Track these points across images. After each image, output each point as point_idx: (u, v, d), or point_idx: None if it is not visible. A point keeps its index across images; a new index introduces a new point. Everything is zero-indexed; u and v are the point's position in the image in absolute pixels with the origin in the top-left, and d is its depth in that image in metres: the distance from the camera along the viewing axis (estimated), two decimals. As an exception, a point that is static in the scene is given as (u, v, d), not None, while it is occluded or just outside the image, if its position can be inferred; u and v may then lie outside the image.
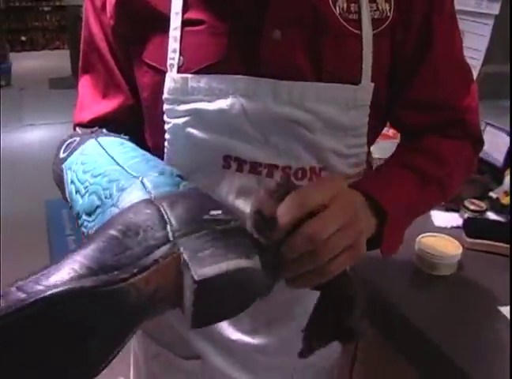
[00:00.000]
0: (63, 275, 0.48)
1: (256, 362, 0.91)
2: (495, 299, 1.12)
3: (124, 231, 0.53)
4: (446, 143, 0.83)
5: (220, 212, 0.58)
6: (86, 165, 0.69)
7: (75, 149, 0.75)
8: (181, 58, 0.74)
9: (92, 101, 0.87)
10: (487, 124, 1.64)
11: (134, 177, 0.62)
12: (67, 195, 0.71)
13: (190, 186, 0.63)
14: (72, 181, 0.70)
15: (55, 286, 0.46)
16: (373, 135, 0.83)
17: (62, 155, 0.77)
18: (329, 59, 0.73)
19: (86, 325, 0.48)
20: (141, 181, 0.61)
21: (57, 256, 3.23)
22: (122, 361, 0.83)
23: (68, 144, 0.78)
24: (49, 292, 0.46)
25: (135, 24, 0.77)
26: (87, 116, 0.86)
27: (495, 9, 1.66)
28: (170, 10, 0.74)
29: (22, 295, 0.46)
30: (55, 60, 8.66)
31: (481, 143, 0.90)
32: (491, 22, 1.69)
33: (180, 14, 0.73)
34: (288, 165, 0.76)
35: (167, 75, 0.75)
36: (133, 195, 0.59)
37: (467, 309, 1.11)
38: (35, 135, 5.47)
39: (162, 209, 0.56)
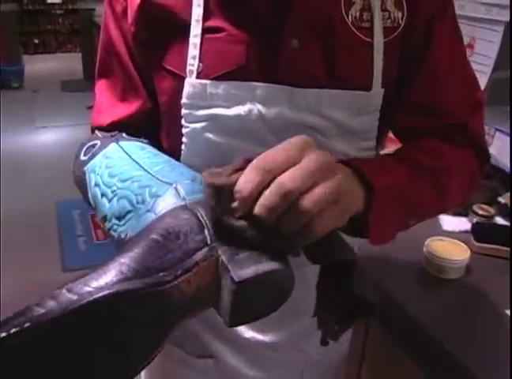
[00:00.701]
0: (111, 277, 0.50)
1: (268, 359, 0.93)
2: (502, 303, 1.13)
3: (165, 235, 0.55)
4: (447, 146, 0.82)
5: None
6: (111, 169, 0.71)
7: (97, 153, 0.77)
8: (200, 64, 0.76)
9: (110, 104, 0.89)
10: (497, 129, 1.65)
11: (167, 183, 0.64)
12: (90, 197, 0.73)
13: None
14: (96, 185, 0.72)
15: (104, 288, 0.48)
16: (380, 138, 0.85)
17: (82, 157, 0.79)
18: (342, 66, 0.76)
19: (131, 325, 0.50)
20: (175, 188, 0.63)
21: (68, 257, 3.27)
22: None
23: (88, 147, 0.80)
24: (100, 294, 0.48)
25: (156, 30, 0.79)
26: (106, 119, 0.88)
27: (506, 15, 1.67)
28: (190, 18, 0.75)
29: (73, 297, 0.48)
30: (67, 63, 8.71)
31: (485, 153, 0.88)
32: (501, 29, 1.70)
33: (200, 22, 0.75)
34: None
35: (186, 81, 0.76)
36: (168, 201, 0.61)
37: (474, 311, 1.13)
38: (47, 137, 5.50)
39: (198, 214, 0.58)
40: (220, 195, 0.55)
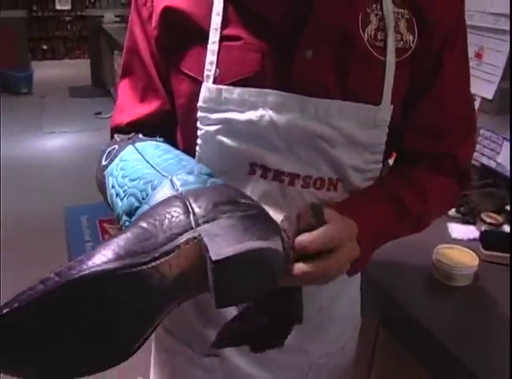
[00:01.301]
0: (94, 260, 0.53)
1: (272, 360, 0.94)
2: (510, 310, 1.14)
3: (151, 222, 0.58)
4: (436, 179, 0.89)
5: (243, 201, 0.63)
6: (125, 170, 0.74)
7: (115, 156, 0.80)
8: (217, 70, 0.79)
9: (130, 104, 0.92)
10: (504, 139, 1.66)
11: (165, 176, 0.68)
12: (109, 199, 0.76)
13: (218, 182, 0.68)
14: (113, 186, 0.75)
15: (86, 270, 0.51)
16: (388, 153, 0.87)
17: (103, 162, 0.82)
18: (354, 80, 0.78)
19: (114, 306, 0.53)
20: (171, 180, 0.66)
21: (76, 261, 3.28)
22: (140, 361, 0.86)
23: (109, 152, 0.83)
24: (76, 275, 0.51)
25: (177, 35, 0.82)
26: (125, 118, 0.92)
27: (514, 25, 1.68)
28: (209, 26, 0.79)
29: (59, 279, 0.51)
30: (76, 69, 8.76)
31: (468, 180, 0.95)
32: (508, 39, 1.71)
33: (219, 30, 0.78)
34: (309, 175, 0.81)
35: (203, 85, 0.80)
36: (163, 193, 0.64)
37: (482, 318, 1.14)
38: (55, 143, 5.53)
39: (187, 202, 0.61)
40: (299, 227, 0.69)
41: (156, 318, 0.57)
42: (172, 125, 0.91)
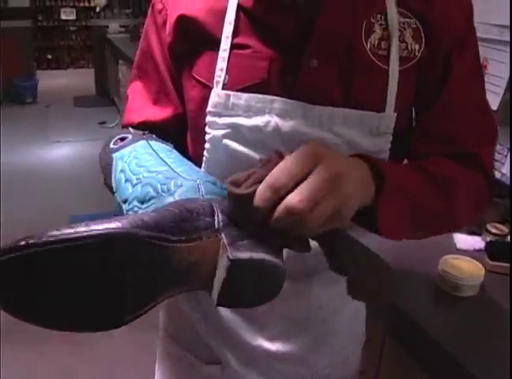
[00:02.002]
0: (124, 221, 0.56)
1: (273, 369, 0.94)
2: (510, 318, 1.14)
3: (181, 209, 0.62)
4: (456, 166, 0.85)
5: None
6: (139, 160, 0.77)
7: (127, 144, 0.83)
8: (226, 76, 0.81)
9: (142, 105, 0.94)
10: (509, 149, 1.67)
11: (191, 180, 0.71)
12: (113, 181, 0.79)
13: None
14: (122, 171, 0.77)
15: (113, 228, 0.54)
16: (395, 161, 0.87)
17: (112, 145, 0.85)
18: (357, 89, 0.80)
19: (130, 270, 0.56)
20: (198, 184, 0.69)
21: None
22: (145, 366, 0.87)
23: (118, 139, 0.86)
24: (112, 230, 0.54)
25: (190, 43, 0.85)
26: (137, 118, 0.94)
27: (518, 37, 1.69)
28: (221, 34, 0.82)
29: (87, 228, 0.54)
30: (80, 78, 8.82)
31: (492, 182, 0.91)
32: (513, 50, 1.72)
33: (230, 38, 0.81)
34: None
35: (213, 90, 0.82)
36: (189, 193, 0.68)
37: (488, 329, 1.14)
38: (60, 152, 5.56)
39: (213, 204, 0.65)
40: (239, 204, 0.63)
41: (156, 296, 0.59)
42: (183, 132, 0.93)
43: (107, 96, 7.39)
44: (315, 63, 0.79)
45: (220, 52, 0.82)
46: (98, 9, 8.84)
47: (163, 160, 0.77)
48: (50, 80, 8.55)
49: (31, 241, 0.52)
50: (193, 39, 0.84)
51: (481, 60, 1.78)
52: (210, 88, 0.83)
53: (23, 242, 0.52)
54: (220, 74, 0.82)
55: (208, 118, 0.83)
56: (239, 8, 0.81)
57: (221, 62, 0.82)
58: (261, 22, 0.81)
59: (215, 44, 0.82)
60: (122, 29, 7.21)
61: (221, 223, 0.63)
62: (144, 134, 0.87)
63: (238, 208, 0.63)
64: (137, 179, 0.74)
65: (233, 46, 0.81)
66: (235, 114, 0.81)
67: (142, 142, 0.83)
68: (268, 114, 0.80)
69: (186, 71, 0.88)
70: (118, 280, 0.56)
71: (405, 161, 0.92)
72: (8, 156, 5.17)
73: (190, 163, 0.80)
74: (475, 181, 0.88)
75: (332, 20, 0.79)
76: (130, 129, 0.91)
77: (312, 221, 0.59)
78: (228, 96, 0.81)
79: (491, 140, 0.91)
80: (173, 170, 0.74)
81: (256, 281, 0.61)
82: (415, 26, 0.81)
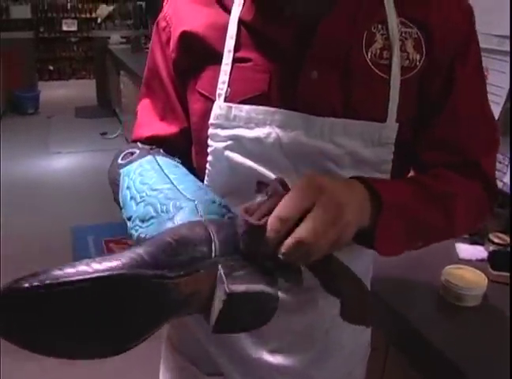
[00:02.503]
0: (124, 260, 0.57)
1: None
2: (510, 326, 1.14)
3: (178, 241, 0.63)
4: (457, 176, 0.85)
5: None
6: (144, 177, 0.79)
7: (134, 160, 0.84)
8: (228, 89, 0.82)
9: (150, 121, 0.96)
10: (510, 159, 1.67)
11: (190, 200, 0.71)
12: (120, 197, 0.80)
13: (233, 217, 0.71)
14: (128, 188, 0.79)
15: (115, 268, 0.56)
16: (399, 174, 0.87)
17: (120, 161, 0.86)
18: (358, 99, 0.80)
19: (134, 305, 0.58)
20: (195, 205, 0.70)
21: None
22: (148, 376, 0.86)
23: (126, 154, 0.87)
24: (115, 272, 0.56)
25: (193, 58, 0.86)
26: (145, 133, 0.95)
27: (518, 47, 1.70)
28: (223, 48, 0.83)
29: (89, 269, 0.55)
30: (82, 89, 8.85)
31: (495, 191, 0.92)
32: (514, 60, 1.73)
33: (232, 52, 0.82)
34: None
35: (215, 103, 0.83)
36: (187, 215, 0.69)
37: (491, 339, 1.14)
38: (61, 162, 5.58)
39: (210, 231, 0.65)
40: (252, 234, 0.65)
41: (162, 322, 0.62)
42: (189, 146, 0.94)
43: (108, 107, 7.42)
44: (315, 74, 0.79)
45: (223, 66, 0.82)
46: (99, 21, 8.89)
47: (167, 177, 0.78)
48: (51, 91, 8.59)
49: (34, 283, 0.53)
50: (197, 54, 0.85)
51: (482, 70, 1.78)
52: (213, 101, 0.83)
53: (26, 284, 0.53)
54: (222, 87, 0.83)
55: (210, 131, 0.84)
56: (240, 22, 0.82)
57: (223, 75, 0.82)
58: (262, 35, 0.82)
59: (217, 58, 0.83)
60: (124, 40, 7.24)
61: (218, 252, 0.64)
62: (151, 149, 0.88)
63: (250, 238, 0.65)
64: (140, 197, 0.75)
65: (235, 60, 0.82)
66: (237, 125, 0.81)
67: (149, 157, 0.84)
68: (269, 126, 0.80)
69: (190, 86, 0.89)
70: (118, 314, 0.58)
71: (411, 172, 0.92)
72: (9, 167, 5.18)
73: (194, 179, 0.81)
74: (475, 193, 0.88)
75: (331, 31, 0.79)
76: (139, 144, 0.92)
77: (317, 251, 0.63)
78: (230, 108, 0.82)
79: (494, 147, 0.91)
80: (176, 188, 0.75)
81: (251, 310, 0.63)
82: (416, 36, 0.81)
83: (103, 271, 0.55)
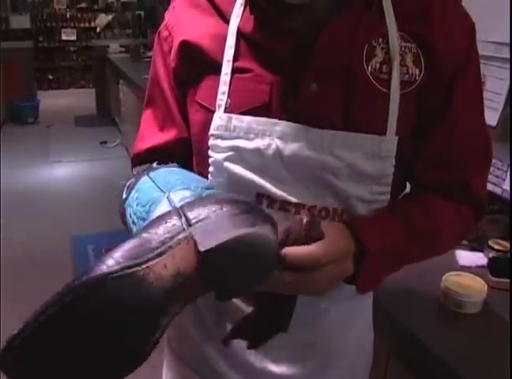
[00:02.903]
0: (95, 269, 0.55)
1: None
2: (510, 334, 1.13)
3: (147, 231, 0.61)
4: (445, 205, 0.88)
5: (236, 199, 0.66)
6: (138, 199, 0.78)
7: (132, 189, 0.84)
8: (228, 100, 0.82)
9: (150, 132, 0.96)
10: (509, 165, 1.67)
11: (163, 193, 0.72)
12: (128, 229, 0.79)
13: (215, 192, 0.71)
14: (130, 215, 0.78)
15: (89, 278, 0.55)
16: (399, 186, 0.88)
17: (124, 195, 0.85)
18: (358, 112, 0.80)
19: (117, 310, 0.55)
20: (167, 197, 0.70)
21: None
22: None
23: (127, 186, 0.86)
24: (77, 282, 0.54)
25: (193, 68, 0.86)
26: (144, 145, 0.96)
27: (515, 54, 1.71)
28: (222, 58, 0.83)
29: (61, 291, 0.55)
30: (81, 98, 8.86)
31: (483, 210, 0.93)
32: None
33: (231, 62, 0.82)
34: (313, 205, 0.82)
35: (215, 114, 0.83)
36: (160, 209, 0.68)
37: (491, 346, 1.14)
38: (61, 171, 5.57)
39: (180, 211, 0.64)
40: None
41: (160, 319, 0.59)
42: (190, 154, 0.94)
43: (107, 116, 7.43)
44: (315, 87, 0.79)
45: (222, 76, 0.83)
46: (98, 30, 8.91)
47: (157, 187, 0.77)
48: (51, 101, 8.60)
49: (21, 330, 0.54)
50: (196, 64, 0.86)
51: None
52: (213, 112, 0.83)
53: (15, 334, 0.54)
54: (221, 98, 0.83)
55: (211, 142, 0.84)
56: (239, 33, 0.82)
57: (223, 86, 0.82)
58: (261, 47, 0.82)
59: (217, 69, 0.83)
60: (123, 49, 7.26)
61: (191, 221, 0.62)
62: (144, 170, 0.87)
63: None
64: (137, 218, 0.75)
65: (234, 70, 0.82)
66: (237, 136, 0.81)
67: (144, 178, 0.84)
68: (269, 137, 0.80)
69: (190, 96, 0.89)
70: (112, 327, 0.55)
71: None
72: (9, 176, 5.18)
73: (188, 174, 0.82)
74: (461, 221, 0.90)
75: (331, 44, 0.79)
76: (133, 171, 0.92)
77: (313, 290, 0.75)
78: (230, 119, 0.82)
79: (487, 166, 0.93)
80: (161, 191, 0.74)
81: (242, 260, 0.60)
82: (415, 51, 0.81)
83: (66, 293, 0.54)
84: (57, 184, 5.22)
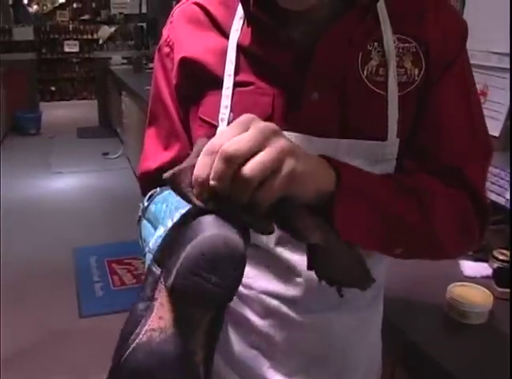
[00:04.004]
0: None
1: None
2: (510, 344, 1.13)
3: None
4: (436, 181, 0.83)
5: None
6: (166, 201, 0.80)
7: (159, 194, 0.84)
8: (231, 114, 0.82)
9: (155, 151, 0.95)
10: (510, 174, 1.67)
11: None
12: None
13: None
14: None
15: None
16: None
17: (145, 203, 0.86)
18: (358, 118, 0.80)
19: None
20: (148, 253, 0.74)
21: (84, 303, 3.27)
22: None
23: (150, 197, 0.86)
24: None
25: (194, 84, 0.86)
26: (152, 165, 0.94)
27: (518, 64, 1.71)
28: (223, 73, 0.82)
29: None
30: (83, 110, 8.89)
31: (482, 201, 0.87)
32: (513, 77, 1.74)
33: (232, 76, 0.82)
34: None
35: (218, 128, 0.83)
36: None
37: (497, 356, 1.13)
38: (63, 183, 5.57)
39: (153, 268, 0.67)
40: (184, 176, 0.60)
41: (193, 359, 0.61)
42: None
43: (110, 127, 7.44)
44: (316, 96, 0.79)
45: (224, 90, 0.82)
46: (101, 42, 8.95)
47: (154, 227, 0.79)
48: (53, 112, 8.63)
49: None
50: (197, 80, 0.85)
51: (481, 87, 1.80)
52: (216, 127, 0.83)
53: None
54: (224, 112, 0.82)
55: None
56: (238, 47, 0.83)
57: (225, 100, 0.82)
58: (261, 59, 0.82)
59: (218, 84, 0.83)
60: (125, 61, 7.29)
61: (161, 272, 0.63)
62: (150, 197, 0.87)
63: (174, 189, 0.61)
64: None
65: (236, 84, 0.82)
66: None
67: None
68: None
69: (192, 112, 0.88)
70: None
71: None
72: (10, 187, 5.20)
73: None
74: (457, 199, 0.84)
75: (329, 52, 0.79)
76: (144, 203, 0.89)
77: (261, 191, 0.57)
78: None
79: (482, 157, 0.89)
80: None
81: (210, 269, 0.56)
82: (414, 50, 0.81)
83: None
84: (58, 195, 5.22)
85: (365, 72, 0.80)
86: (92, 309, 3.21)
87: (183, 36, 0.88)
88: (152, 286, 0.62)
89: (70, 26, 9.69)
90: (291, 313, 0.86)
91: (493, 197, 1.71)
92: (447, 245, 0.85)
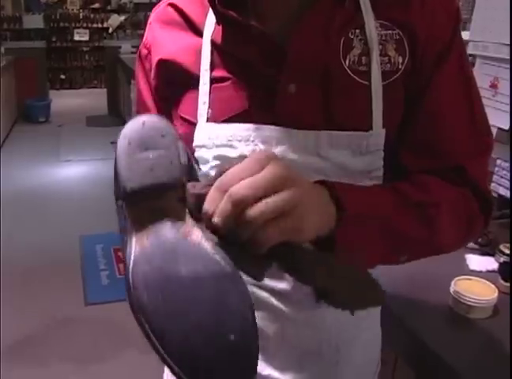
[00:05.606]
0: None
1: None
2: (510, 342, 1.12)
3: None
4: (442, 182, 0.81)
5: None
6: None
7: None
8: (209, 110, 0.81)
9: None
10: (510, 168, 1.66)
11: None
12: None
13: None
14: None
15: None
16: (391, 179, 0.83)
17: None
18: (340, 109, 0.78)
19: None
20: None
21: (90, 291, 3.29)
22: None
23: None
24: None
25: (172, 84, 0.86)
26: None
27: (529, 57, 1.69)
28: (200, 71, 0.82)
29: None
30: (92, 98, 8.91)
31: (486, 196, 0.85)
32: (524, 69, 1.72)
33: (208, 71, 0.81)
34: None
35: (197, 124, 0.82)
36: None
37: (501, 351, 1.12)
38: (71, 171, 5.61)
39: None
40: (196, 203, 0.60)
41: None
42: None
43: (119, 116, 7.46)
44: (293, 88, 0.78)
45: (201, 86, 0.82)
46: (111, 30, 8.96)
47: None
48: (62, 100, 8.65)
49: None
50: (175, 80, 0.85)
51: (492, 79, 1.78)
52: (195, 124, 0.82)
53: None
54: (202, 108, 0.82)
55: (196, 153, 0.83)
56: (212, 43, 0.82)
57: (203, 96, 0.82)
58: (233, 55, 0.81)
59: (196, 81, 0.82)
60: (135, 50, 7.28)
61: None
62: None
63: (192, 207, 0.61)
64: None
65: (212, 81, 0.81)
66: (220, 144, 0.80)
67: None
68: (253, 143, 0.79)
69: (174, 112, 0.88)
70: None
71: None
72: (19, 175, 5.23)
73: None
74: (461, 199, 0.83)
75: (304, 44, 0.77)
76: None
77: (262, 234, 0.57)
78: (212, 128, 0.81)
79: (483, 152, 0.87)
80: None
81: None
82: (398, 37, 0.78)
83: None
84: (67, 183, 5.25)
85: (347, 61, 0.77)
86: (97, 296, 3.23)
87: (160, 38, 0.88)
88: (121, 216, 0.62)
89: (80, 14, 9.70)
90: (282, 307, 0.85)
91: (501, 190, 1.70)
92: (450, 247, 0.85)
